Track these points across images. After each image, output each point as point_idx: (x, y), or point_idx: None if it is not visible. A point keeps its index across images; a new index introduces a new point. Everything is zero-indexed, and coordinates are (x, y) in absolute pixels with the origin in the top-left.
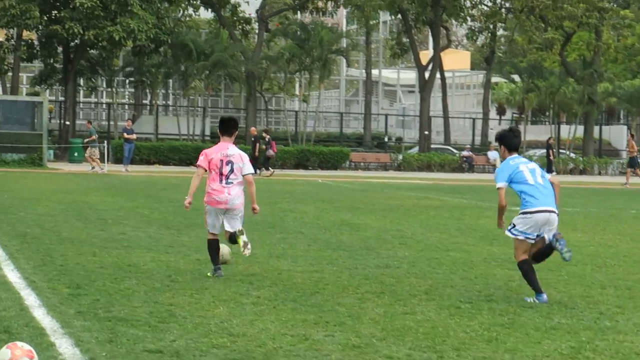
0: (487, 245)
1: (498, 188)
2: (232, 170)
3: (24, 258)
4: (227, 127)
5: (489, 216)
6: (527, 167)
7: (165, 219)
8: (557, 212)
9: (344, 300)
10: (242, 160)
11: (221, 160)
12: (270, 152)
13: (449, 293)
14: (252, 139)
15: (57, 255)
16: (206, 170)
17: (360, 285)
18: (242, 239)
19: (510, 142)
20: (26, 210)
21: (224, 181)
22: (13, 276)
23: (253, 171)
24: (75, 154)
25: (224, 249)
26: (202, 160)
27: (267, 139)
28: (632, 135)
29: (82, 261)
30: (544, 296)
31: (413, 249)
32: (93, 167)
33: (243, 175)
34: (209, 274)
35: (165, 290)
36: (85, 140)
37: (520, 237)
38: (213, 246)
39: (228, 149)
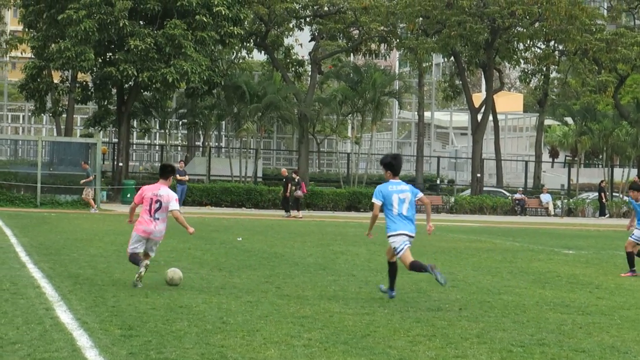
0: (539, 288)
1: (373, 202)
2: (159, 208)
3: (76, 299)
4: (164, 171)
5: (542, 259)
6: (398, 197)
7: (217, 261)
8: (413, 236)
9: (395, 343)
10: (169, 200)
11: (151, 199)
12: (299, 193)
13: (500, 336)
14: (284, 179)
15: (109, 296)
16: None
17: (411, 328)
18: (143, 270)
19: (395, 168)
20: (79, 251)
21: (152, 215)
22: (65, 317)
23: (177, 208)
24: (128, 195)
25: (177, 272)
26: (137, 194)
27: (296, 180)
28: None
29: (134, 302)
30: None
31: (465, 291)
32: (93, 208)
33: (170, 211)
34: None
35: (217, 332)
36: (82, 181)
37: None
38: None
39: (159, 189)
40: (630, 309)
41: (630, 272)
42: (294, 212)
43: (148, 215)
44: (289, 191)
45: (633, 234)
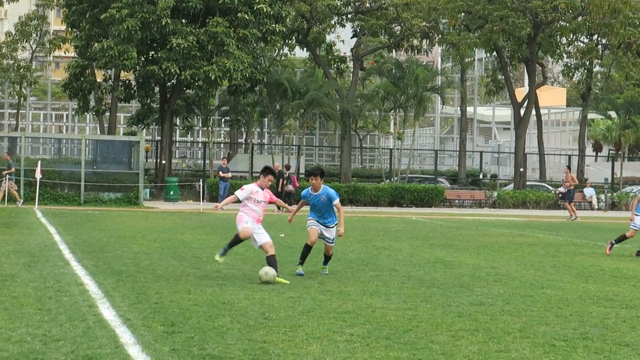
0: (582, 282)
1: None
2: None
3: (119, 296)
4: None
5: (585, 253)
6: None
7: (260, 257)
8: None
9: (437, 338)
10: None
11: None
12: (290, 188)
13: (543, 331)
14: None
15: (152, 293)
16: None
17: (453, 322)
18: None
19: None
20: (122, 248)
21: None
22: (108, 314)
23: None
24: (171, 193)
25: (271, 270)
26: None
27: (286, 175)
28: (569, 168)
29: (177, 299)
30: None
31: (507, 286)
32: (16, 201)
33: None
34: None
35: (259, 327)
36: (4, 172)
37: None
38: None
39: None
40: None
41: None
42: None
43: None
44: (280, 186)
45: None
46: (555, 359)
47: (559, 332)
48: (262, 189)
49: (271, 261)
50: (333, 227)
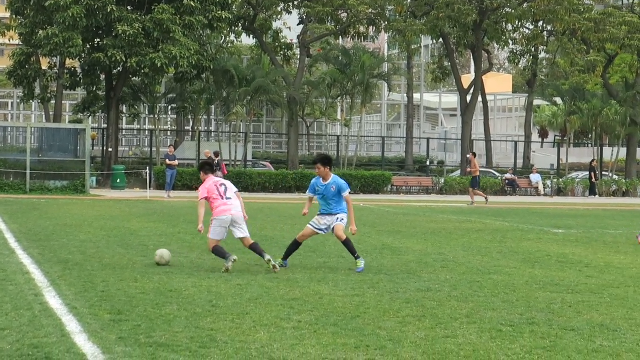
0: (529, 268)
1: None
2: (226, 190)
3: (65, 284)
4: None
5: (531, 239)
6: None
7: (207, 244)
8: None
9: (385, 324)
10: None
11: (216, 186)
12: (219, 175)
13: (490, 316)
14: None
15: (98, 281)
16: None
17: (401, 309)
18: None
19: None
20: (68, 237)
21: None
22: (55, 302)
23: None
24: (118, 181)
25: (165, 253)
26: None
27: (216, 162)
28: (474, 155)
29: (124, 287)
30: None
31: (454, 272)
32: None
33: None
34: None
35: (207, 315)
36: None
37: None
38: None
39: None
40: (619, 287)
41: None
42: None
43: (221, 200)
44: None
45: None
46: (502, 344)
47: (506, 318)
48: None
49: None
50: (337, 214)
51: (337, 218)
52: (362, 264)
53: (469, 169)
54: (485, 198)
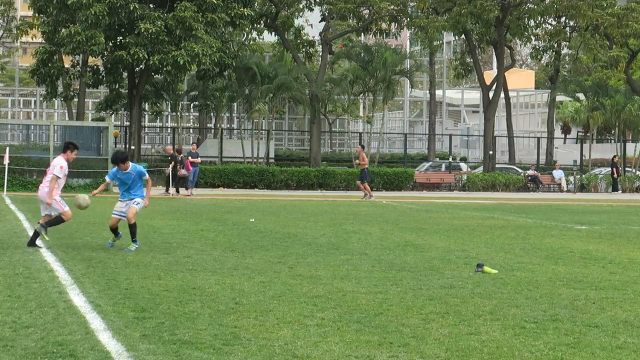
0: (552, 264)
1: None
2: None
3: (89, 282)
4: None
5: (554, 235)
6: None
7: (230, 242)
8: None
9: (408, 321)
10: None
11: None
12: (183, 172)
13: (513, 313)
14: (169, 158)
15: (122, 279)
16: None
17: (424, 305)
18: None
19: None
20: (92, 234)
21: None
22: (78, 300)
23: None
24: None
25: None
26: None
27: (180, 158)
28: (362, 147)
29: (147, 284)
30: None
31: None
32: None
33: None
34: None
35: (230, 312)
36: None
37: None
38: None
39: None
40: None
41: None
42: (173, 191)
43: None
44: (172, 169)
45: None
46: (525, 341)
47: (529, 314)
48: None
49: (58, 219)
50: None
51: (134, 202)
52: (133, 247)
53: (357, 162)
54: (368, 193)
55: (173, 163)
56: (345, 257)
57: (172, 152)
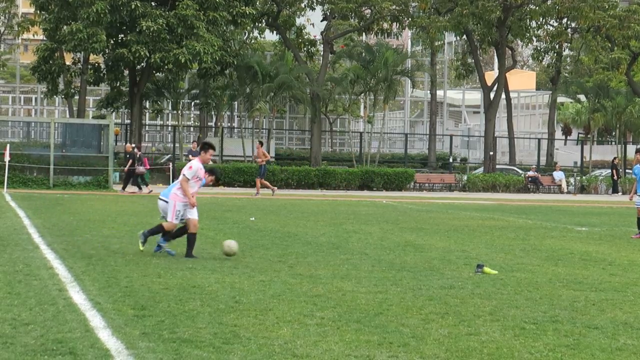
0: (552, 265)
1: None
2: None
3: (89, 280)
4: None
5: (554, 236)
6: None
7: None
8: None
9: (407, 321)
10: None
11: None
12: (141, 169)
13: (513, 314)
14: (127, 155)
15: (122, 276)
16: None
17: (424, 306)
18: None
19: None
20: (92, 232)
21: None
22: (78, 298)
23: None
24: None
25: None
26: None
27: (138, 156)
28: (260, 144)
29: (147, 283)
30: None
31: None
32: None
33: None
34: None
35: (230, 311)
36: None
37: None
38: None
39: None
40: None
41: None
42: (131, 189)
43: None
44: (128, 167)
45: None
46: (525, 342)
47: (529, 315)
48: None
49: (190, 238)
50: None
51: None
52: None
53: (257, 159)
54: (270, 189)
55: (131, 161)
56: (345, 257)
57: (130, 149)
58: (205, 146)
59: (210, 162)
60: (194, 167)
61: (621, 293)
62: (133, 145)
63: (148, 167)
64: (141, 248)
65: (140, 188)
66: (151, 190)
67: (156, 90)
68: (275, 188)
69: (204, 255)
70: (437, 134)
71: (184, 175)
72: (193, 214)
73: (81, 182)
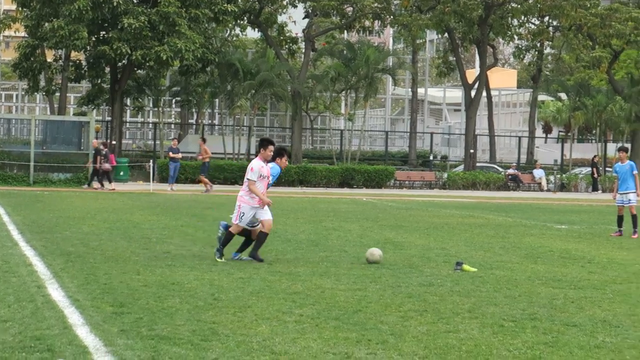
0: (531, 263)
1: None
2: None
3: (68, 277)
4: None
5: (534, 234)
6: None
7: (210, 238)
8: None
9: (386, 319)
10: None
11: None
12: (107, 166)
13: (492, 311)
14: (94, 152)
15: (101, 273)
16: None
17: (403, 303)
18: None
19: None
20: (71, 229)
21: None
22: (57, 295)
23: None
24: (121, 173)
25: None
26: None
27: (104, 152)
28: (203, 140)
29: (126, 280)
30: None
31: None
32: None
33: None
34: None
35: (209, 308)
36: None
37: None
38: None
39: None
40: (622, 283)
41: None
42: (107, 185)
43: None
44: (98, 163)
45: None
46: (504, 340)
47: (508, 313)
48: (266, 164)
49: (260, 237)
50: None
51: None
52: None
53: (199, 156)
54: (209, 186)
55: (97, 157)
56: (324, 254)
57: (96, 145)
58: (264, 143)
59: (208, 160)
60: (255, 167)
61: (600, 291)
62: (100, 141)
63: (115, 163)
64: (220, 261)
65: (102, 185)
66: (114, 189)
67: (137, 87)
68: (211, 187)
69: (183, 253)
70: (417, 131)
71: (248, 179)
72: (266, 215)
73: (61, 179)
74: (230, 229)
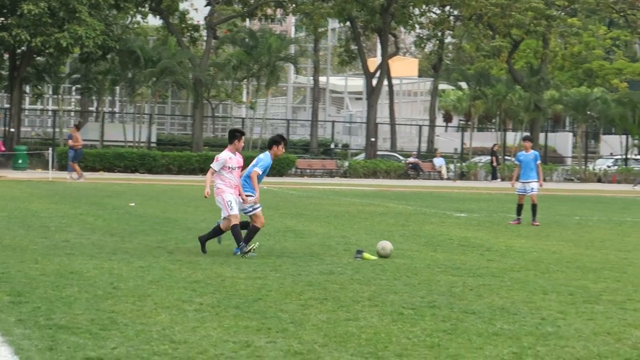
0: (430, 251)
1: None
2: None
3: None
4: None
5: (434, 222)
6: None
7: (109, 226)
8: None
9: (286, 307)
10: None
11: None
12: None
13: (392, 299)
14: None
15: None
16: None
17: (303, 291)
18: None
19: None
20: None
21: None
22: None
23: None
24: (20, 161)
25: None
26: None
27: None
28: (77, 128)
29: (24, 269)
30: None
31: None
32: None
33: None
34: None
35: (108, 297)
36: None
37: None
38: None
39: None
40: (520, 271)
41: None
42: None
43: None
44: None
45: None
46: (403, 327)
47: (407, 301)
48: (235, 154)
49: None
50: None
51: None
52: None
53: (70, 142)
54: (79, 175)
55: None
56: (225, 243)
57: None
58: (236, 134)
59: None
60: (220, 157)
61: (498, 278)
62: None
63: (3, 149)
64: (252, 253)
65: None
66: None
67: (37, 74)
68: (77, 176)
69: (82, 241)
70: (319, 120)
71: (211, 167)
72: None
73: None
74: (232, 225)
